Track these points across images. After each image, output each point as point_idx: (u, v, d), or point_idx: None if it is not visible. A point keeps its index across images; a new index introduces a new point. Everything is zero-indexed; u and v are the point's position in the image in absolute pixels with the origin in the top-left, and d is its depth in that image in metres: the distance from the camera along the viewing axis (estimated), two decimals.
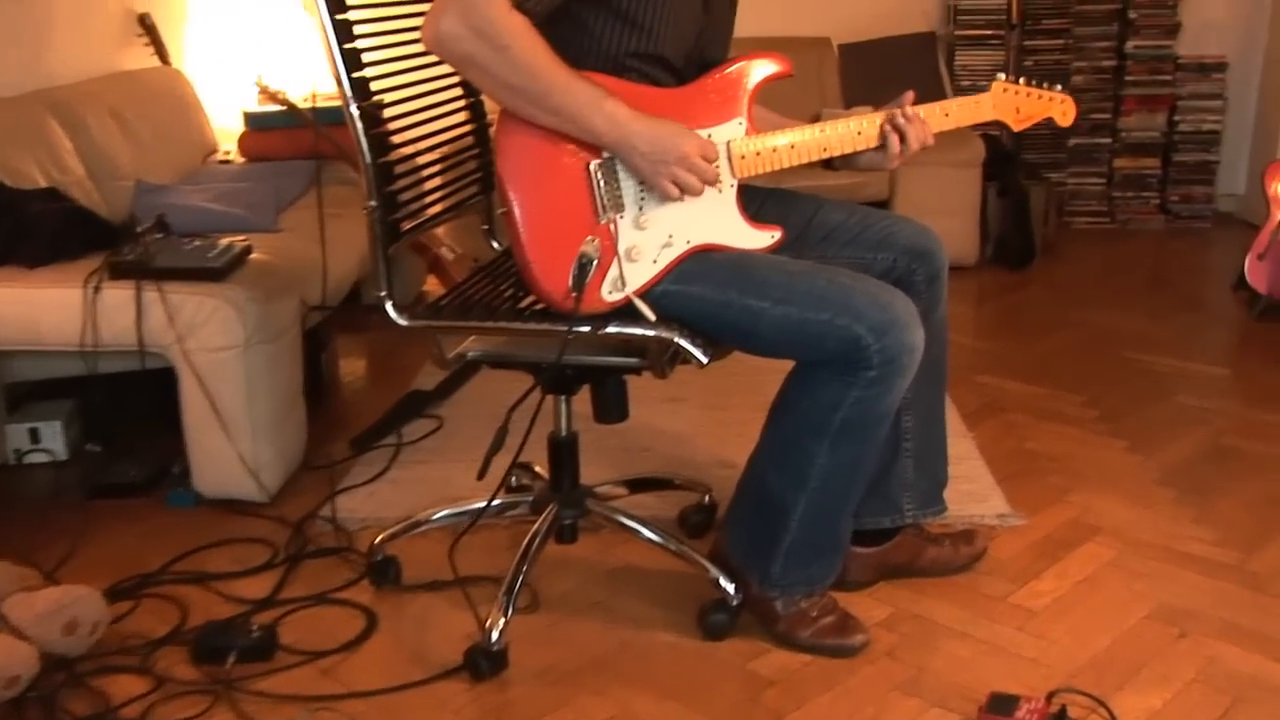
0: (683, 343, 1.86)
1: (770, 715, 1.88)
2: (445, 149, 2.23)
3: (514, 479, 2.53)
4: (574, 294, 1.80)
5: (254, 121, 3.82)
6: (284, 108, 3.69)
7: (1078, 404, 3.16)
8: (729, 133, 1.88)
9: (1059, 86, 2.07)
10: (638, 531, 2.21)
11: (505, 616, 1.99)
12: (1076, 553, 2.36)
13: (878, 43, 4.98)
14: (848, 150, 1.95)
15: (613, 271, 1.83)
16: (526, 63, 1.72)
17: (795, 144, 1.91)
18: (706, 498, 2.46)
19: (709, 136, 1.86)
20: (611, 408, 2.07)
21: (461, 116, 2.28)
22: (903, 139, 1.92)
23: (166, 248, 2.62)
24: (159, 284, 2.49)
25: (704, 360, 1.88)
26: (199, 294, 2.49)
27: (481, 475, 1.91)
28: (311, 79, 3.94)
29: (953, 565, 2.27)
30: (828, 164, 2.00)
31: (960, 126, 2.02)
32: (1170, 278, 4.51)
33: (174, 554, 2.40)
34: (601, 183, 1.81)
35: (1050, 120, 2.08)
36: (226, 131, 4.01)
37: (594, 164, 1.81)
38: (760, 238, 1.92)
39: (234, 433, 2.54)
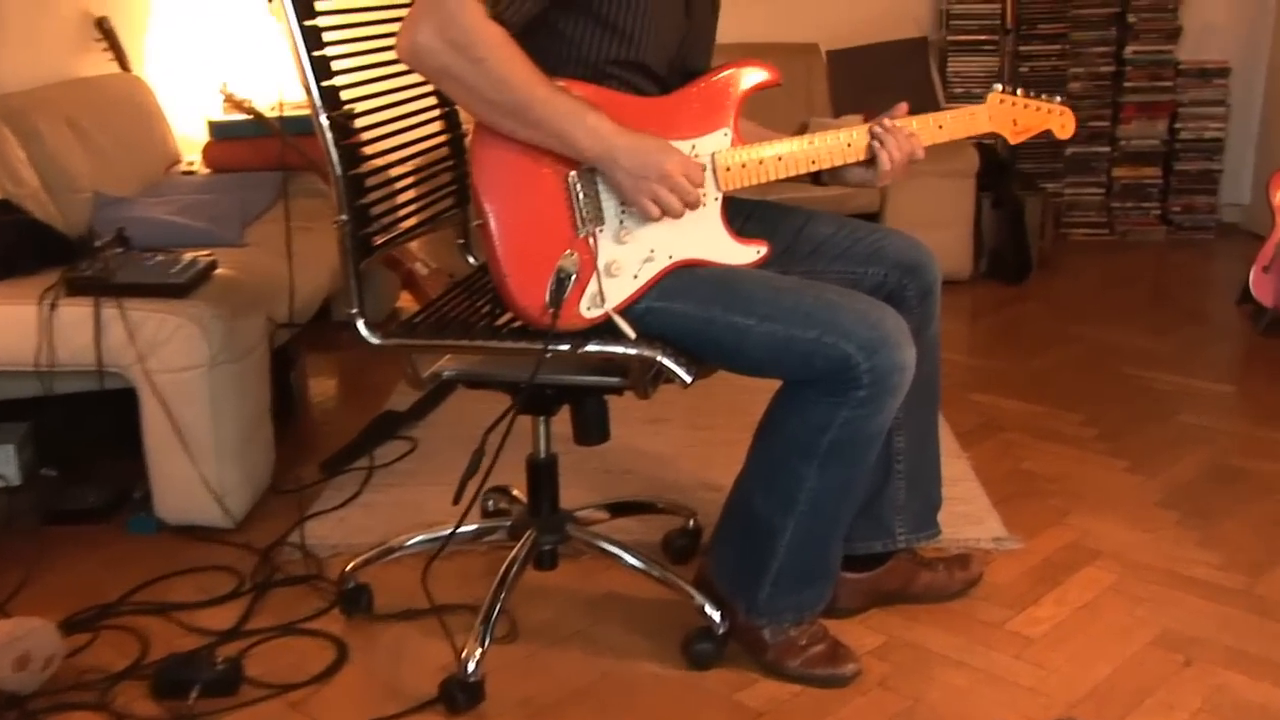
0: (665, 361, 1.87)
1: None
2: (419, 160, 2.24)
3: (490, 503, 2.54)
4: (551, 310, 1.81)
5: (219, 131, 3.82)
6: (250, 117, 3.68)
7: (1076, 423, 3.18)
8: (714, 144, 1.90)
9: (1058, 97, 2.08)
10: (620, 557, 2.22)
11: (482, 646, 1.99)
12: (1076, 577, 2.37)
13: (867, 49, 5.00)
14: (837, 163, 1.96)
15: (592, 287, 1.84)
16: (504, 75, 1.73)
17: (783, 156, 1.92)
18: (691, 522, 2.47)
19: (693, 148, 1.87)
20: (592, 429, 2.07)
21: (436, 127, 2.29)
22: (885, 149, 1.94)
23: (127, 263, 2.62)
24: (119, 301, 2.49)
25: (687, 380, 1.89)
26: (161, 311, 2.49)
27: (457, 499, 1.92)
28: (279, 86, 3.94)
29: (947, 591, 2.28)
30: (816, 179, 2.02)
31: (955, 139, 2.03)
32: (1172, 291, 4.54)
33: (134, 583, 2.39)
34: (581, 195, 1.82)
35: (1049, 133, 2.10)
36: (190, 141, 4.01)
37: (573, 175, 1.82)
38: (745, 252, 1.93)
39: (198, 456, 2.53)
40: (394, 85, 2.11)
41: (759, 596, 2.01)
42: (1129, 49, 5.12)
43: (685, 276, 1.89)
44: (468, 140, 1.88)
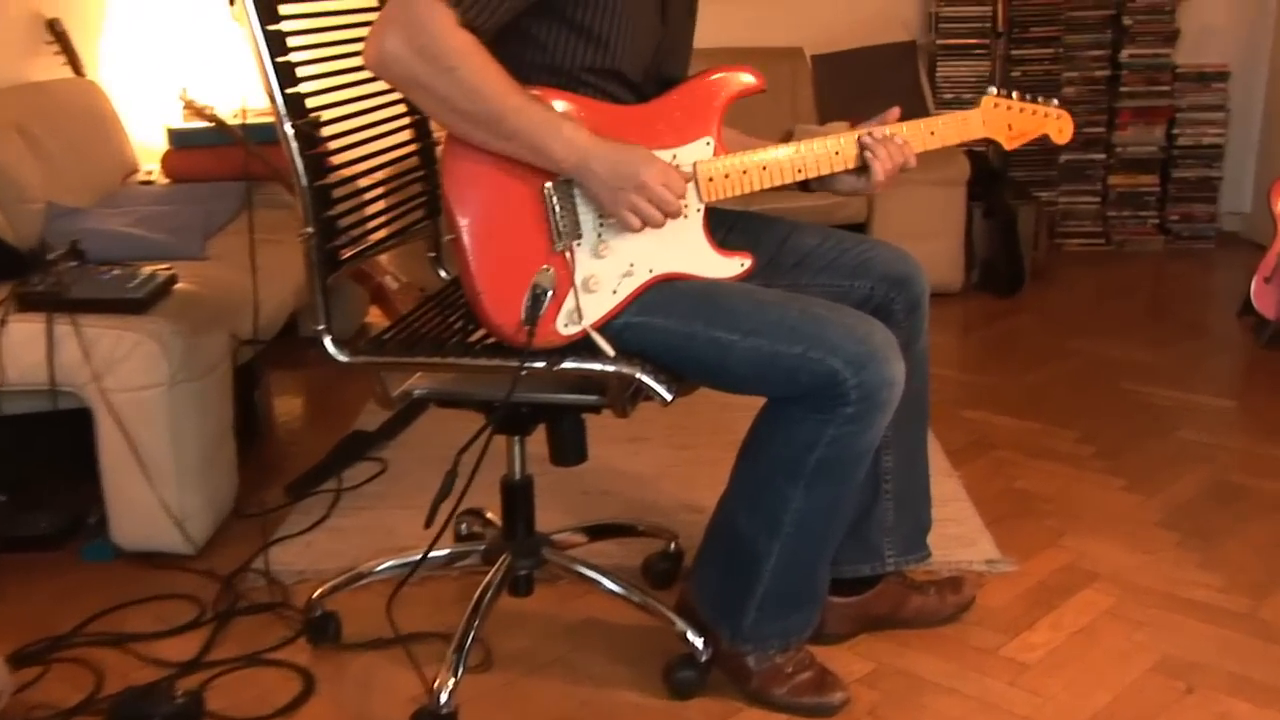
0: (645, 379, 1.88)
1: None
2: (388, 170, 2.25)
3: (464, 527, 2.54)
4: (527, 327, 1.82)
5: (179, 139, 3.82)
6: (211, 124, 3.68)
7: (1072, 440, 3.20)
8: (696, 153, 1.91)
9: (1055, 101, 2.10)
10: (598, 582, 2.22)
11: (455, 676, 1.99)
12: (1072, 601, 2.38)
13: (854, 53, 5.03)
14: (824, 171, 1.97)
15: (569, 303, 1.85)
16: (476, 84, 1.74)
17: (768, 165, 1.93)
18: (672, 545, 2.47)
19: (674, 157, 1.89)
20: (569, 449, 2.08)
21: (406, 135, 2.30)
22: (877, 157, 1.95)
23: (81, 277, 2.62)
24: (73, 316, 2.48)
25: (668, 398, 1.90)
26: (118, 327, 2.49)
27: (429, 523, 1.92)
28: (242, 91, 3.94)
29: (939, 615, 2.29)
30: (804, 185, 2.03)
31: (947, 145, 2.05)
32: (1170, 303, 4.57)
33: (88, 613, 2.38)
34: (557, 207, 1.83)
35: (1045, 138, 2.11)
36: (148, 149, 4.01)
37: (549, 186, 1.83)
38: (729, 265, 1.95)
39: (157, 479, 2.53)
40: (362, 92, 2.11)
41: (743, 622, 2.02)
42: (1125, 52, 5.15)
43: (666, 291, 1.90)
44: (439, 150, 1.89)
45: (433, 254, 2.39)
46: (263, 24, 1.91)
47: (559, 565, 2.26)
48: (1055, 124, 2.11)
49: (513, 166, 1.81)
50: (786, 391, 1.88)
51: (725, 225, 2.07)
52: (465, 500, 1.94)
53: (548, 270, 1.83)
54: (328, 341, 1.99)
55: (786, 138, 2.01)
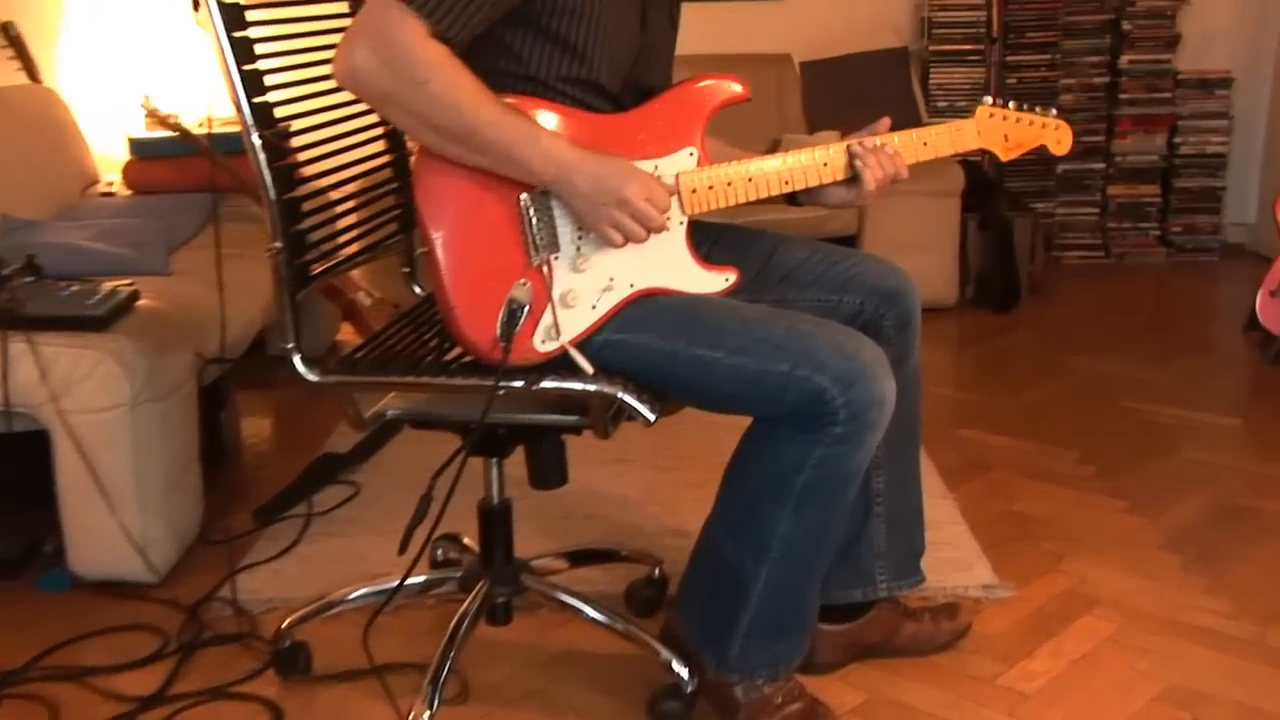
0: (627, 398, 1.88)
1: None
2: (360, 183, 2.26)
3: (440, 553, 2.55)
4: (503, 344, 1.82)
5: (141, 149, 3.82)
6: (175, 133, 3.68)
7: (1071, 460, 3.21)
8: (679, 164, 1.92)
9: (1053, 111, 2.10)
10: (580, 610, 2.23)
11: (430, 709, 2.00)
12: (1073, 627, 2.39)
13: (844, 60, 5.05)
14: (812, 184, 1.98)
15: (546, 319, 1.86)
16: (450, 98, 1.75)
17: (753, 176, 1.94)
18: (657, 571, 2.48)
19: (655, 169, 1.89)
20: (549, 471, 2.09)
21: (378, 146, 2.31)
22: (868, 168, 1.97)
23: (38, 293, 2.61)
24: (29, 334, 2.48)
25: (651, 418, 1.90)
26: (77, 346, 2.49)
27: (403, 549, 1.92)
28: (207, 99, 3.94)
29: (933, 643, 2.30)
30: (792, 200, 2.04)
31: (941, 157, 2.05)
32: (1173, 318, 4.60)
33: (44, 646, 2.37)
34: (534, 219, 1.84)
35: (1043, 149, 2.11)
36: (109, 160, 4.01)
37: (525, 198, 1.83)
38: (713, 280, 1.96)
39: (118, 504, 2.52)
40: (333, 101, 2.12)
41: (730, 651, 2.02)
42: (1124, 58, 5.19)
43: (647, 306, 1.91)
44: (412, 161, 1.90)
45: (406, 269, 2.40)
46: (229, 30, 1.91)
47: (539, 593, 2.26)
48: (1054, 135, 2.11)
49: (488, 178, 1.82)
50: (773, 411, 1.88)
51: (710, 238, 2.08)
52: (441, 525, 1.94)
53: (524, 285, 1.84)
54: (297, 360, 1.99)
55: (773, 148, 2.03)
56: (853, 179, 1.98)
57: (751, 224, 2.20)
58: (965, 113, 2.08)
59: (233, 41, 1.92)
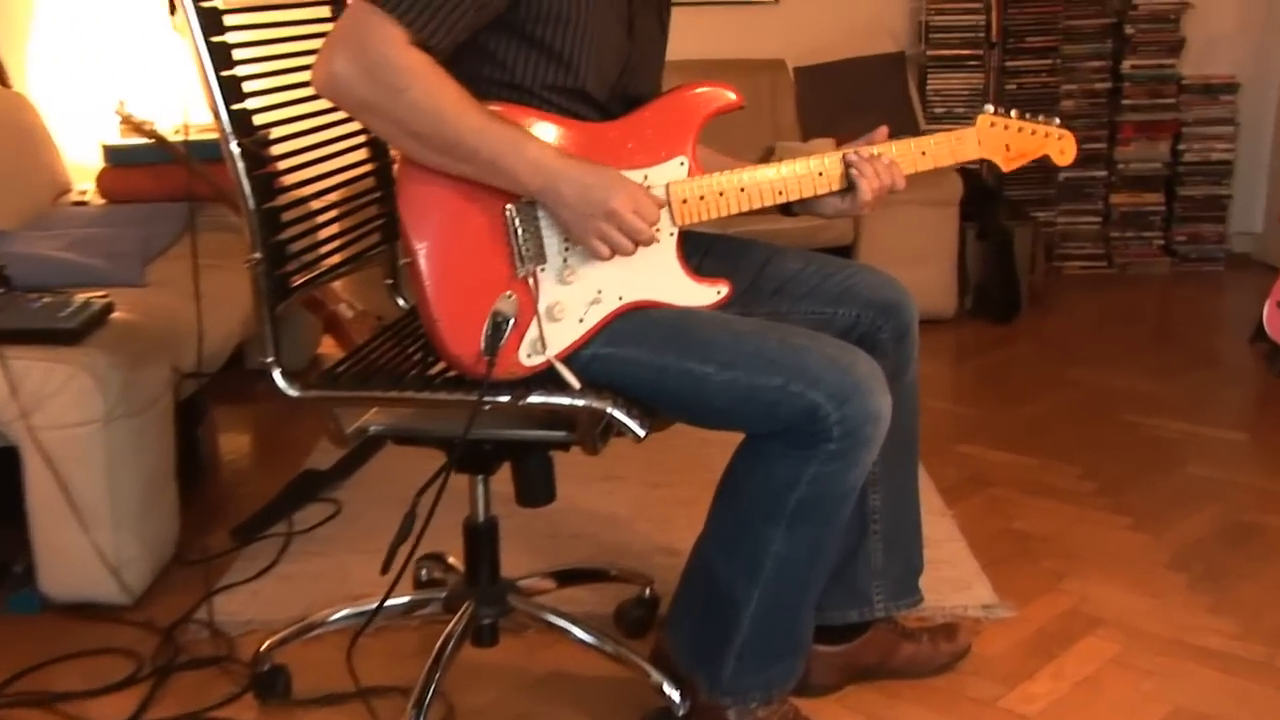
0: (616, 413, 1.88)
1: None
2: (342, 192, 2.26)
3: (424, 572, 2.54)
4: (487, 358, 1.83)
5: (115, 156, 3.82)
6: (151, 140, 3.69)
7: (1073, 476, 3.22)
8: (669, 174, 1.92)
9: (1056, 119, 2.10)
10: (568, 631, 2.23)
11: None
12: (1075, 648, 2.39)
13: (839, 65, 5.06)
14: (807, 194, 1.99)
15: (532, 332, 1.86)
16: (432, 106, 1.75)
17: (746, 186, 1.94)
18: (647, 591, 2.48)
19: (645, 178, 1.90)
20: (536, 488, 2.09)
21: (361, 155, 2.31)
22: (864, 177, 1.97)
23: (8, 305, 2.61)
24: None
25: (641, 433, 1.90)
26: (48, 360, 2.48)
27: (386, 569, 1.92)
28: (184, 105, 3.94)
29: (932, 664, 2.30)
30: (785, 209, 2.04)
31: (940, 167, 2.05)
32: (1177, 329, 4.61)
33: (13, 670, 2.36)
34: (520, 230, 1.84)
35: (1046, 158, 2.11)
36: (82, 168, 4.00)
37: (510, 208, 1.84)
38: (704, 293, 1.96)
39: (91, 523, 2.52)
40: (313, 108, 2.11)
41: (722, 673, 2.02)
42: (1127, 63, 5.20)
43: (637, 319, 1.91)
44: (395, 169, 1.90)
45: (390, 280, 2.40)
46: (206, 36, 1.92)
47: (526, 613, 2.26)
48: (1057, 144, 2.10)
49: (472, 187, 1.82)
50: (766, 427, 1.88)
51: (701, 250, 2.09)
52: (425, 544, 1.93)
53: (509, 297, 1.84)
54: (277, 374, 1.99)
55: (767, 156, 2.04)
56: (848, 189, 1.98)
57: (744, 234, 2.21)
58: (964, 119, 2.09)
59: (210, 46, 1.92)
